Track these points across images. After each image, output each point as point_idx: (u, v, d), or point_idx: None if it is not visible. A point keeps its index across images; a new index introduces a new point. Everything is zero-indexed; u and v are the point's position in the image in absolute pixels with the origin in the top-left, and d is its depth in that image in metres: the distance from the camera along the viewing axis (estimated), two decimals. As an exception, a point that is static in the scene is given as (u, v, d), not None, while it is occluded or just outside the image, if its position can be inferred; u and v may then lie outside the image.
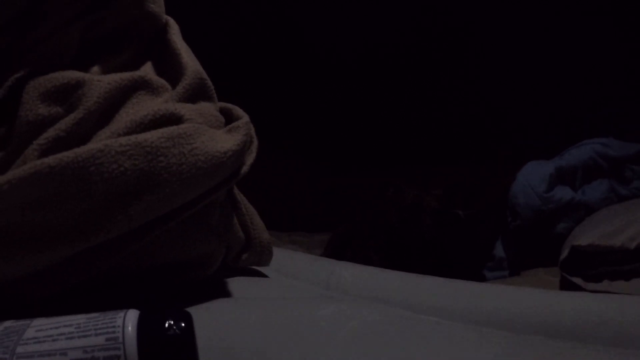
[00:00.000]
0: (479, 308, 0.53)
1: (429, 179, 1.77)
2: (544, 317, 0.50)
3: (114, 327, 0.23)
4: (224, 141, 0.38)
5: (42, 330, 0.23)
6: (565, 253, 1.10)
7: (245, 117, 0.44)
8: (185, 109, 0.38)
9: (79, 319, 0.24)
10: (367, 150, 2.05)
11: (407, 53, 1.98)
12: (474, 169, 1.78)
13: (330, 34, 2.05)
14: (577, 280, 1.06)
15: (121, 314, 0.24)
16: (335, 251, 1.72)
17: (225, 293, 0.45)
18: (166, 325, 0.23)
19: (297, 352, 0.31)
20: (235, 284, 0.47)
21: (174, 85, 0.42)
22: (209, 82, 0.43)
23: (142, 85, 0.39)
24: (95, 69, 0.38)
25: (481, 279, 1.43)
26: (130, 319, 0.23)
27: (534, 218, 1.38)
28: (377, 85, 2.05)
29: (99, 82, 0.35)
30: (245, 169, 0.41)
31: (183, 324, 0.23)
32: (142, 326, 0.23)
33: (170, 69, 0.43)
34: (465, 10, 1.89)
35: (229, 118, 0.44)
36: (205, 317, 0.35)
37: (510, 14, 1.83)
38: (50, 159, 0.30)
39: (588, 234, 1.10)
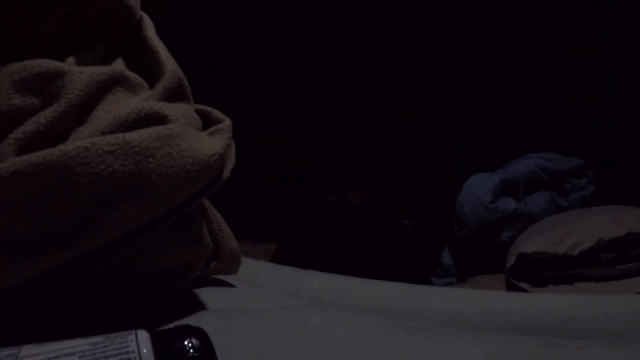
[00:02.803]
0: (452, 311, 0.55)
1: (373, 189, 1.79)
2: (516, 316, 0.52)
3: (127, 352, 0.20)
4: (210, 144, 0.36)
5: None
6: (512, 260, 1.13)
7: (228, 121, 0.42)
8: (169, 108, 0.36)
9: (81, 345, 0.21)
10: (313, 159, 2.04)
11: (351, 60, 2.00)
12: (418, 181, 1.82)
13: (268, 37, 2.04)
14: (525, 286, 1.10)
15: (131, 336, 0.21)
16: (284, 261, 1.69)
17: (201, 305, 0.43)
18: (186, 345, 0.21)
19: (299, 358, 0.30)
20: (208, 295, 0.46)
21: (150, 83, 0.40)
22: (187, 83, 0.42)
23: (120, 81, 0.36)
24: (71, 60, 0.35)
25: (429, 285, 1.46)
26: (143, 341, 0.21)
27: (480, 227, 1.42)
28: (320, 93, 2.05)
29: (80, 73, 0.32)
30: (226, 173, 0.40)
31: (201, 342, 0.21)
32: (159, 348, 0.20)
33: (147, 67, 0.41)
34: (405, 21, 1.93)
35: (205, 120, 0.43)
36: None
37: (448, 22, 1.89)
38: (33, 157, 0.27)
39: (533, 242, 1.15)
